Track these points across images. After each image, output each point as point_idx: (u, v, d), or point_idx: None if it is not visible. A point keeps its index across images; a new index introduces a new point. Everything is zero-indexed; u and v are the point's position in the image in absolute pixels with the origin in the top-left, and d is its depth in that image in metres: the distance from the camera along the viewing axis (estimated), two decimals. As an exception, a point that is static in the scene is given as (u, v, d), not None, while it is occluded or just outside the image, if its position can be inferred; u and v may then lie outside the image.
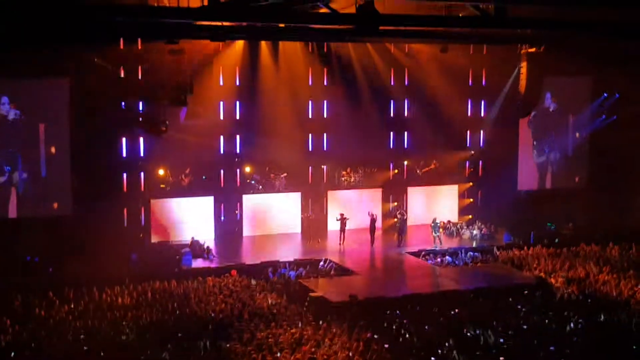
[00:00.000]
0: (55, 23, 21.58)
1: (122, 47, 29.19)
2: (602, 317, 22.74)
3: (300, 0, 18.79)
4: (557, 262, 29.14)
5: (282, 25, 23.28)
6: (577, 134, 37.36)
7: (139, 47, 28.60)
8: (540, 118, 36.33)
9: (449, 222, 35.08)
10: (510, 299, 24.43)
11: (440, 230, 32.31)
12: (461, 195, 36.84)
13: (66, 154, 29.49)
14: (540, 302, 24.36)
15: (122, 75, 28.99)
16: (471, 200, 36.76)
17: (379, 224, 33.30)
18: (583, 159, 37.55)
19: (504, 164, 36.29)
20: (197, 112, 30.95)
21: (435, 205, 35.69)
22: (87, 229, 28.50)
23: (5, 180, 29.07)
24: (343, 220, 31.94)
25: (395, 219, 33.42)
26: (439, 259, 29.99)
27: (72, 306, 23.33)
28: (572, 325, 21.90)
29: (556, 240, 32.59)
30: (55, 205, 29.45)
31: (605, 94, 36.69)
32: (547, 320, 22.33)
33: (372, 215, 32.33)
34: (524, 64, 28.01)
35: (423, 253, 30.52)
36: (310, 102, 34.14)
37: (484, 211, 35.72)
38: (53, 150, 29.34)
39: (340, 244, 31.73)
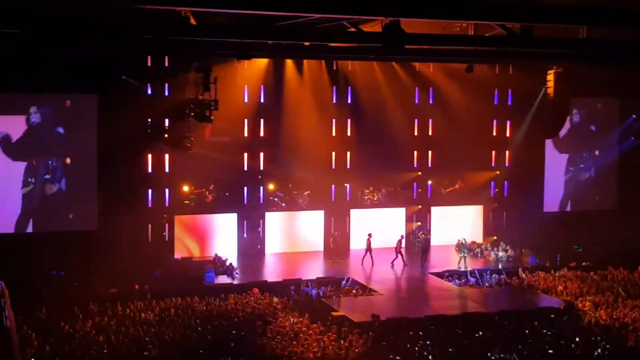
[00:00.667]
0: (84, 39, 21.86)
1: (149, 64, 29.52)
2: (630, 342, 22.36)
3: (325, 19, 18.81)
4: (584, 285, 28.78)
5: (307, 43, 23.33)
6: (605, 156, 37.03)
7: (166, 64, 28.80)
8: (568, 136, 36.05)
9: (473, 242, 34.81)
10: (536, 323, 24.09)
11: (466, 250, 32.02)
12: (486, 216, 36.56)
13: (93, 170, 29.75)
14: (567, 326, 24.00)
15: (149, 92, 29.18)
16: (496, 221, 36.46)
17: (403, 244, 33.10)
18: (611, 181, 37.15)
19: (530, 184, 36.03)
20: (222, 129, 31.06)
21: (459, 226, 35.43)
22: (112, 244, 28.67)
23: (36, 190, 29.25)
24: (369, 240, 31.79)
25: (418, 240, 33.17)
26: (463, 280, 29.73)
27: (96, 321, 23.38)
28: (599, 350, 21.52)
29: (583, 263, 32.21)
30: (81, 220, 29.68)
31: (634, 116, 36.33)
32: (573, 345, 21.98)
33: (401, 237, 32.29)
34: (550, 84, 27.85)
35: (447, 274, 30.28)
36: (334, 120, 34.13)
37: (509, 232, 35.37)
38: (69, 162, 29.62)
39: (361, 262, 31.49)
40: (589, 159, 37.02)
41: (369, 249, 31.63)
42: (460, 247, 31.87)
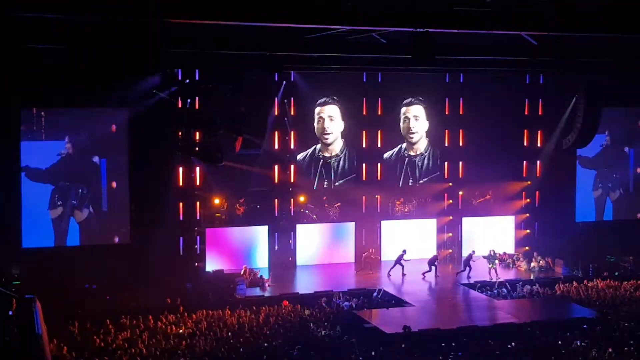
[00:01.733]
0: (116, 53, 22.13)
1: (180, 77, 29.76)
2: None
3: (355, 32, 18.86)
4: (617, 295, 28.42)
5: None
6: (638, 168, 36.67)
7: (197, 77, 29.01)
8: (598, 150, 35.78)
9: (504, 253, 34.55)
10: (569, 334, 23.85)
11: (497, 261, 31.81)
12: (518, 227, 36.26)
13: (125, 183, 30.08)
14: (600, 336, 23.73)
15: (180, 105, 29.41)
16: (528, 231, 36.18)
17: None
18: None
19: (561, 195, 35.73)
20: (253, 142, 31.20)
21: (491, 237, 35.19)
22: (144, 257, 28.87)
23: (67, 212, 29.68)
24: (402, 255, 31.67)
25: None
26: (494, 291, 29.52)
27: (128, 334, 23.53)
28: (633, 361, 21.30)
29: (616, 273, 31.84)
30: (116, 238, 30.01)
31: None
32: (606, 356, 21.73)
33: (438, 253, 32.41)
34: (581, 94, 27.69)
35: (479, 285, 30.08)
36: (364, 132, 34.15)
37: (541, 243, 35.05)
38: (114, 184, 29.99)
39: (388, 273, 31.36)
40: (620, 170, 36.65)
41: (398, 261, 31.49)
42: (490, 258, 31.65)
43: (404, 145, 34.65)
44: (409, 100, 34.28)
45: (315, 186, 33.60)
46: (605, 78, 28.64)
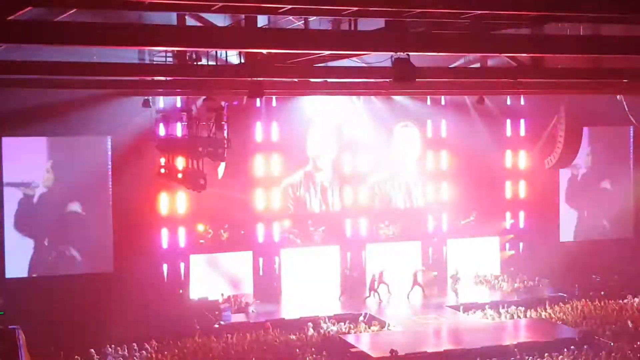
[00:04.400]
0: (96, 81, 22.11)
1: (162, 105, 29.73)
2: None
3: (336, 56, 18.90)
4: (603, 315, 28.44)
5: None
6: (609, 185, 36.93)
7: (178, 104, 28.98)
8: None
9: (492, 275, 34.54)
10: (556, 354, 23.81)
11: (458, 282, 31.53)
12: (502, 247, 36.30)
13: (107, 211, 29.93)
14: (586, 356, 23.71)
15: (161, 132, 29.34)
16: (512, 252, 36.21)
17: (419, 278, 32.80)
18: (627, 210, 36.89)
19: (545, 214, 35.83)
20: (235, 168, 31.14)
21: (476, 258, 35.21)
22: (128, 285, 28.66)
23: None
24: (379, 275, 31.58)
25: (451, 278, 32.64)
26: (480, 313, 29.46)
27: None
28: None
29: (602, 292, 31.88)
30: (100, 267, 29.86)
31: None
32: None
33: (416, 270, 32.12)
34: (562, 114, 27.86)
35: (462, 307, 30.01)
36: (350, 156, 34.17)
37: (526, 263, 35.09)
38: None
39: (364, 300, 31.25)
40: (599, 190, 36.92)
41: (372, 287, 31.21)
42: (453, 278, 31.48)
43: (394, 169, 34.60)
44: (404, 123, 34.34)
45: (307, 210, 33.47)
46: (586, 97, 28.80)
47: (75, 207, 30.11)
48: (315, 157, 33.56)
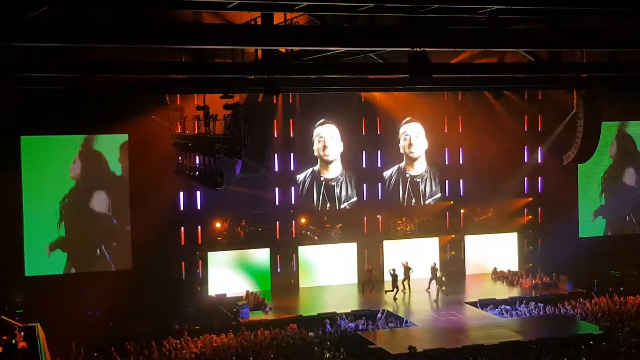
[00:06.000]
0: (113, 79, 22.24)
1: (178, 102, 29.84)
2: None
3: (352, 53, 18.89)
4: (623, 310, 28.28)
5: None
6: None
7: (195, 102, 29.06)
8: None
9: (509, 271, 34.46)
10: (575, 350, 23.71)
11: (443, 279, 31.22)
12: (521, 243, 36.15)
13: (125, 209, 30.13)
14: (606, 352, 23.59)
15: (179, 130, 29.46)
16: (531, 248, 36.07)
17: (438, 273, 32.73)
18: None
19: (564, 210, 35.65)
20: (252, 165, 31.22)
21: (494, 254, 35.13)
22: (147, 282, 28.81)
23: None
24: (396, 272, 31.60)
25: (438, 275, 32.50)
26: (498, 309, 29.37)
27: (132, 360, 23.45)
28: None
29: (621, 288, 31.69)
30: (119, 265, 30.06)
31: None
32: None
33: (434, 264, 32.04)
34: (580, 109, 27.65)
35: (478, 303, 29.91)
36: (363, 152, 34.17)
37: (544, 259, 34.94)
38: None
39: (395, 292, 31.21)
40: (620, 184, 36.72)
41: (394, 283, 31.23)
42: (435, 276, 31.26)
43: (402, 164, 34.62)
44: (408, 119, 34.34)
45: (319, 207, 33.57)
46: (605, 92, 28.62)
47: (96, 204, 30.32)
48: (332, 154, 33.50)
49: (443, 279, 31.26)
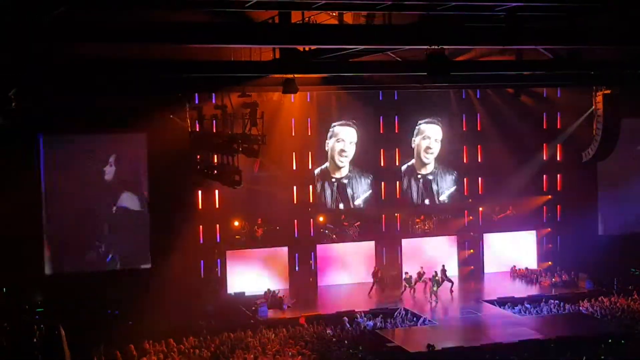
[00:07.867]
0: (130, 78, 22.32)
1: (197, 101, 29.90)
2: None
3: (369, 51, 18.88)
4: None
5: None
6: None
7: (213, 101, 29.17)
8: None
9: (526, 269, 34.32)
10: (595, 349, 23.58)
11: (437, 285, 30.82)
12: (540, 241, 35.97)
13: (144, 208, 30.27)
14: (626, 351, 23.44)
15: (197, 128, 29.55)
16: (550, 245, 35.87)
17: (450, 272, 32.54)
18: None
19: (583, 208, 35.42)
20: (270, 163, 31.31)
21: (513, 252, 34.99)
22: (166, 281, 28.91)
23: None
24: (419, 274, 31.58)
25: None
26: (518, 307, 29.26)
27: (152, 359, 23.49)
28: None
29: (641, 286, 31.50)
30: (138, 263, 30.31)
31: None
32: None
33: (443, 265, 31.99)
34: (599, 106, 27.50)
35: (496, 300, 29.79)
36: (382, 151, 34.12)
37: (564, 257, 34.75)
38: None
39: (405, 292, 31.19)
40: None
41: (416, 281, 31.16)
42: (433, 280, 31.09)
43: (413, 162, 34.48)
44: (428, 119, 34.20)
45: (333, 207, 33.53)
46: (625, 89, 28.40)
47: (121, 202, 30.55)
48: (350, 152, 33.47)
49: (443, 283, 31.17)
